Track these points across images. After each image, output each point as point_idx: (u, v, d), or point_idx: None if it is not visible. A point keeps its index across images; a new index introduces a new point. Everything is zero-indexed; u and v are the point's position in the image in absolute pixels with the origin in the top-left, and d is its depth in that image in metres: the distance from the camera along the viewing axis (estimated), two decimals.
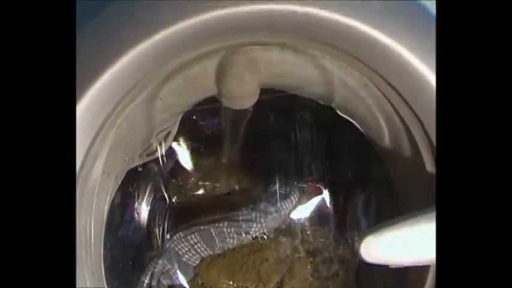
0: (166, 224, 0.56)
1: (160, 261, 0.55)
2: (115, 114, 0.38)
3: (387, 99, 0.41)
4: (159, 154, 0.48)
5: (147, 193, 0.56)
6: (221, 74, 0.41)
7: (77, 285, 0.37)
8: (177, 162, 0.58)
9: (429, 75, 0.36)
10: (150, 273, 0.55)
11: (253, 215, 0.57)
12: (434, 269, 0.41)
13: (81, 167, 0.36)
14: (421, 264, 0.38)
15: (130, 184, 0.55)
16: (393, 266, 0.36)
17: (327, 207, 0.58)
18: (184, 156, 0.58)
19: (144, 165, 0.50)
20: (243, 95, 0.43)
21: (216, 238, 0.56)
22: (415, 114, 0.39)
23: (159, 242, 0.56)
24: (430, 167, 0.41)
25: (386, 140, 0.45)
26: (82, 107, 0.35)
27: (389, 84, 0.39)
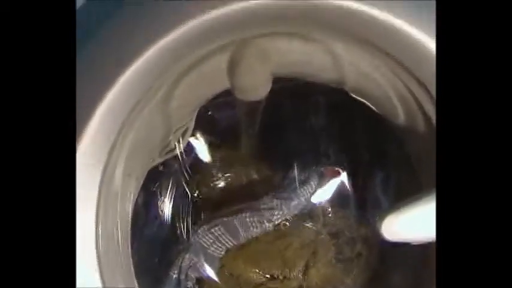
0: (190, 219, 0.57)
1: (187, 256, 0.56)
2: (132, 116, 0.38)
3: (399, 78, 0.41)
4: (178, 151, 0.48)
5: (169, 190, 0.57)
6: (232, 67, 0.42)
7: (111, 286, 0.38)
8: (196, 157, 0.58)
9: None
10: (177, 268, 0.56)
11: (275, 202, 0.57)
12: None
13: (104, 172, 0.37)
14: None
15: (152, 183, 0.56)
16: (416, 243, 0.36)
17: (347, 188, 0.58)
18: (202, 151, 0.58)
19: (164, 163, 0.50)
20: (255, 86, 0.44)
21: (239, 228, 0.56)
22: (427, 91, 0.39)
23: (185, 236, 0.56)
24: None
25: (401, 118, 0.45)
26: (100, 113, 0.36)
27: (401, 64, 0.39)
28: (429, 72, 0.38)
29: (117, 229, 0.41)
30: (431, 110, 0.41)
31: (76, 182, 0.35)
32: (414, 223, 0.35)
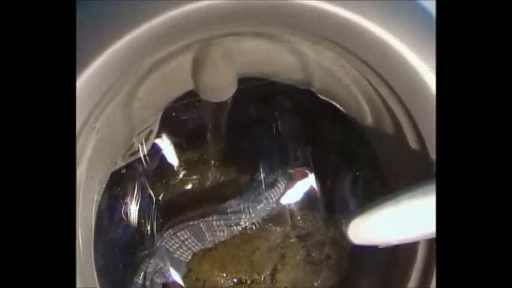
0: (155, 223, 0.56)
1: (152, 261, 0.55)
2: (93, 117, 0.37)
3: (365, 78, 0.41)
4: (141, 154, 0.48)
5: (134, 194, 0.56)
6: (197, 68, 0.41)
7: None
8: (161, 160, 0.58)
9: (404, 51, 0.36)
10: (142, 273, 0.55)
11: (242, 206, 0.56)
12: (424, 245, 0.42)
13: None
14: (409, 242, 0.38)
15: (116, 186, 0.55)
16: (382, 246, 0.36)
17: (315, 190, 0.58)
18: (168, 153, 0.58)
19: (128, 166, 0.49)
20: (220, 87, 0.43)
21: (206, 232, 0.56)
22: (393, 91, 0.39)
23: (150, 241, 0.56)
24: (413, 143, 0.41)
25: (368, 120, 0.45)
26: None
27: (367, 64, 0.39)
28: (394, 72, 0.38)
29: (77, 232, 0.40)
30: (397, 111, 0.40)
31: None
32: (380, 226, 0.34)
